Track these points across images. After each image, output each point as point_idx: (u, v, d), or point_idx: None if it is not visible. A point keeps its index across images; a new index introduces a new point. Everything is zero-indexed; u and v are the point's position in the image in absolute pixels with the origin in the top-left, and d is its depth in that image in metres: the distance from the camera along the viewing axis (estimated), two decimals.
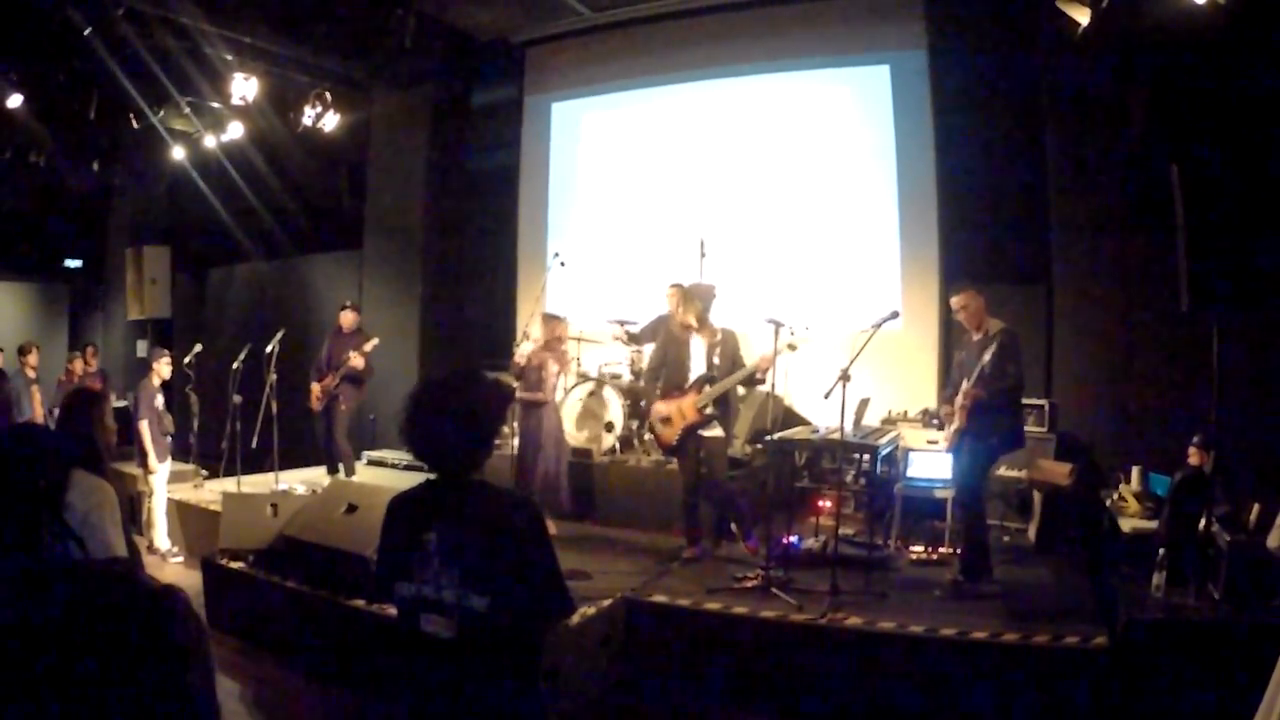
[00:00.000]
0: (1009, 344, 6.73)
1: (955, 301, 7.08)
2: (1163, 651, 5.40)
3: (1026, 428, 8.44)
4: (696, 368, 7.64)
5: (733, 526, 8.05)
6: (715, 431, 7.66)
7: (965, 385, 6.88)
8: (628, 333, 10.28)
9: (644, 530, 8.80)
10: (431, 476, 3.04)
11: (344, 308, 10.67)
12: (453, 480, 2.97)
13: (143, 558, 6.18)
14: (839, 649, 5.96)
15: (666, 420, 7.67)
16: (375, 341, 10.33)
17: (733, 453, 8.38)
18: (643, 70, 12.25)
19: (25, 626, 0.87)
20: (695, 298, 7.68)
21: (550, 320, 8.65)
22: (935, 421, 8.69)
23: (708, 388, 7.53)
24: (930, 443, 8.32)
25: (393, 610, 3.00)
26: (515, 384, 8.23)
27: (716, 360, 7.58)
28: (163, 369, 9.67)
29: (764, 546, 7.10)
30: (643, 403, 9.77)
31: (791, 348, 7.32)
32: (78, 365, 12.33)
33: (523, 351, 8.44)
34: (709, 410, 7.55)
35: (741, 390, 8.32)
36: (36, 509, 3.59)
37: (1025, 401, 8.28)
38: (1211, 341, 6.01)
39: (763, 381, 7.63)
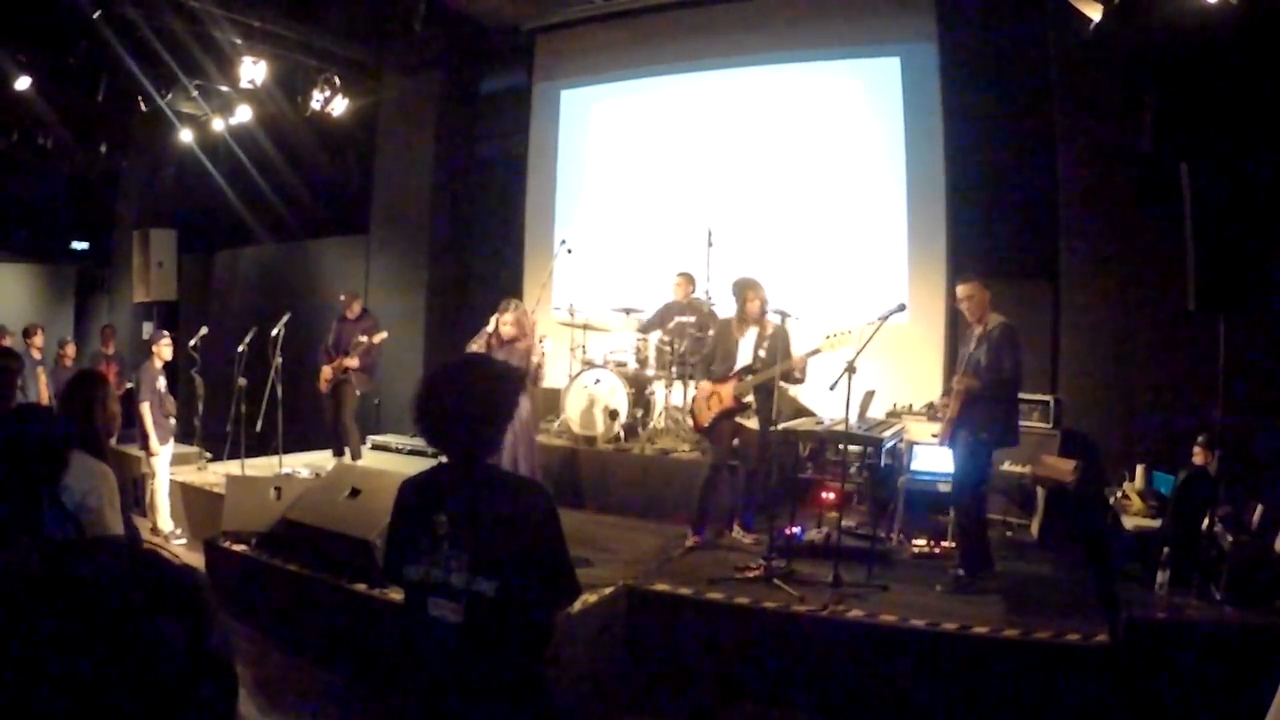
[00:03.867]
0: (1005, 338, 6.71)
1: (961, 290, 7.06)
2: (1163, 651, 5.41)
3: (1031, 424, 8.47)
4: (743, 359, 7.79)
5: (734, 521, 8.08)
6: (751, 423, 7.81)
7: (958, 375, 6.92)
8: (639, 322, 10.27)
9: (646, 518, 8.80)
10: (441, 460, 3.05)
11: (344, 297, 10.68)
12: (463, 464, 2.98)
13: (144, 539, 6.19)
14: (840, 641, 5.97)
15: (704, 403, 7.90)
16: (384, 335, 10.35)
17: None
18: (652, 59, 12.23)
19: (35, 603, 0.87)
20: (757, 290, 7.78)
21: (520, 307, 8.39)
22: (938, 415, 8.69)
23: (749, 378, 7.67)
24: (934, 436, 8.31)
25: (397, 594, 3.01)
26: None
27: (762, 353, 7.68)
28: (163, 351, 9.68)
29: (767, 536, 7.12)
30: (646, 389, 9.88)
31: (832, 347, 7.30)
32: (69, 349, 12.35)
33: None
34: (747, 399, 7.71)
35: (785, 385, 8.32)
36: (36, 491, 3.59)
37: (1031, 397, 8.30)
38: (1218, 341, 6.00)
39: (801, 380, 7.65)
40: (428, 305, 13.22)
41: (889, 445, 7.83)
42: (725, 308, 9.44)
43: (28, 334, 11.84)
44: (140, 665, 0.87)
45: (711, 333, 9.37)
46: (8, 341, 11.16)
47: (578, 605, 5.66)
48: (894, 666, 5.82)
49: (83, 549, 0.98)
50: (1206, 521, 5.92)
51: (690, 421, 8.35)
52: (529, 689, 2.93)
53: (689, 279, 10.08)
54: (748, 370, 7.73)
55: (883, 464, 7.97)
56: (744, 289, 7.83)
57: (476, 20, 12.77)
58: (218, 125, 13.51)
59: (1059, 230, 9.45)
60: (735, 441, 7.89)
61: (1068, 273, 9.41)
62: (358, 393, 10.35)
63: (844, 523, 7.13)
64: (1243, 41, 7.63)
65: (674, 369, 9.71)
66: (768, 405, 7.74)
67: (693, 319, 9.64)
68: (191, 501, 9.64)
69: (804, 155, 11.18)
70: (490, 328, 8.13)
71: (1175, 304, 6.55)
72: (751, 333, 7.81)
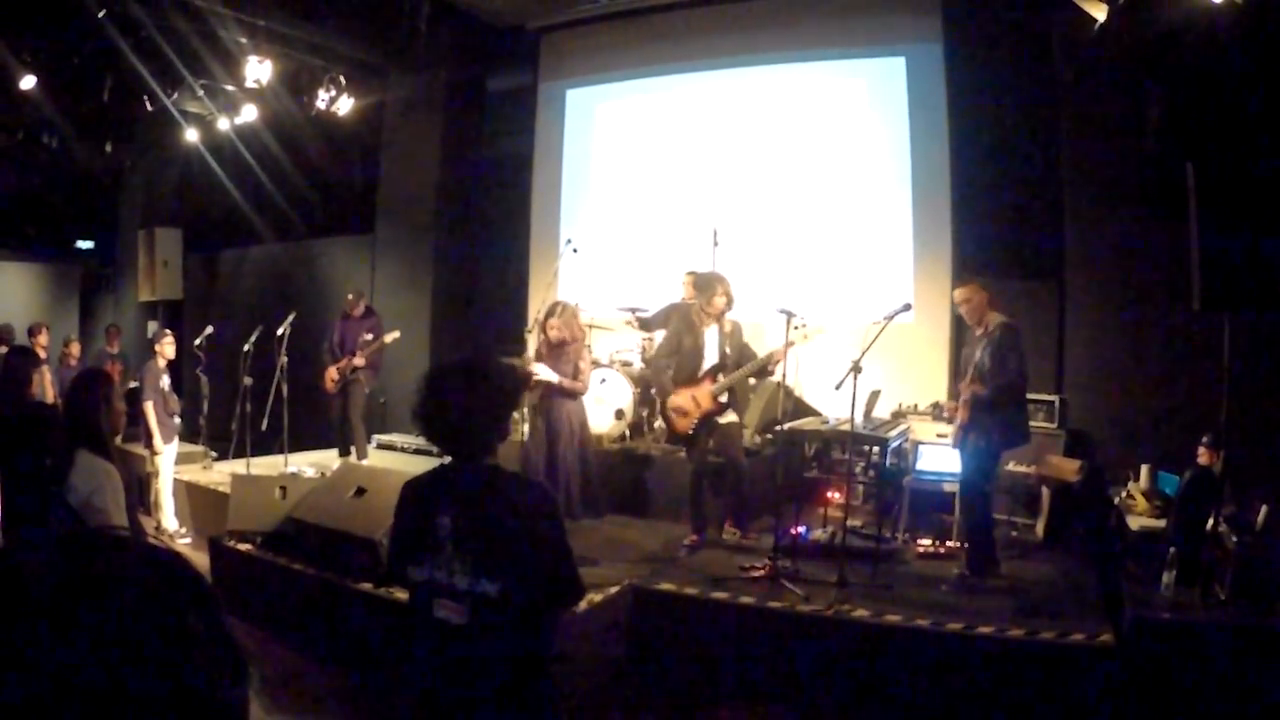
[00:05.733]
0: (1007, 339, 6.70)
1: (958, 295, 7.07)
2: (1168, 651, 5.40)
3: (1036, 424, 8.44)
4: (710, 357, 7.65)
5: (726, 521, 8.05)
6: (730, 418, 7.72)
7: (963, 381, 6.93)
8: (639, 319, 10.26)
9: (652, 518, 8.80)
10: (444, 460, 3.05)
11: (351, 295, 10.70)
12: (465, 464, 2.98)
13: (148, 537, 6.19)
14: (845, 640, 5.97)
15: (682, 410, 7.69)
16: (396, 334, 10.35)
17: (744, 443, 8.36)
18: (657, 59, 12.24)
19: (55, 599, 0.88)
20: (726, 285, 7.62)
21: (569, 309, 8.05)
22: (945, 416, 8.68)
23: (721, 377, 7.57)
24: (940, 436, 8.31)
25: (402, 594, 3.02)
26: (550, 371, 7.71)
27: (728, 350, 7.60)
28: (166, 349, 9.68)
29: (770, 536, 7.11)
30: (652, 389, 9.81)
31: (804, 338, 7.31)
32: (74, 348, 12.39)
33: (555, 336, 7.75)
34: (723, 399, 7.60)
35: (752, 380, 8.30)
36: (44, 489, 3.61)
37: (1035, 397, 8.29)
38: (1223, 341, 5.99)
39: (773, 373, 7.63)
40: (433, 304, 13.22)
41: (894, 445, 7.83)
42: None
43: (32, 333, 11.84)
44: (167, 660, 0.88)
45: (662, 332, 9.32)
46: (16, 340, 11.17)
47: (583, 605, 5.65)
48: (899, 666, 5.82)
49: (96, 543, 0.98)
50: (1211, 522, 5.91)
51: (669, 428, 8.05)
52: (533, 690, 2.94)
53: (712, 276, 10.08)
54: (718, 368, 7.61)
55: (888, 464, 7.97)
56: (714, 282, 7.65)
57: (482, 19, 12.77)
58: (223, 124, 13.52)
59: (1064, 230, 9.44)
60: (710, 442, 7.79)
61: (1073, 273, 9.40)
62: (366, 391, 10.36)
63: (849, 522, 7.12)
64: (1248, 40, 7.62)
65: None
66: (737, 402, 7.72)
67: None
68: (196, 500, 9.66)
69: (810, 155, 11.18)
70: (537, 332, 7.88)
71: (1180, 303, 6.53)
72: (713, 329, 7.65)
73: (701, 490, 7.88)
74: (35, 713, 0.80)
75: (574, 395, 7.78)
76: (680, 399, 7.69)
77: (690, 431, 7.73)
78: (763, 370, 7.63)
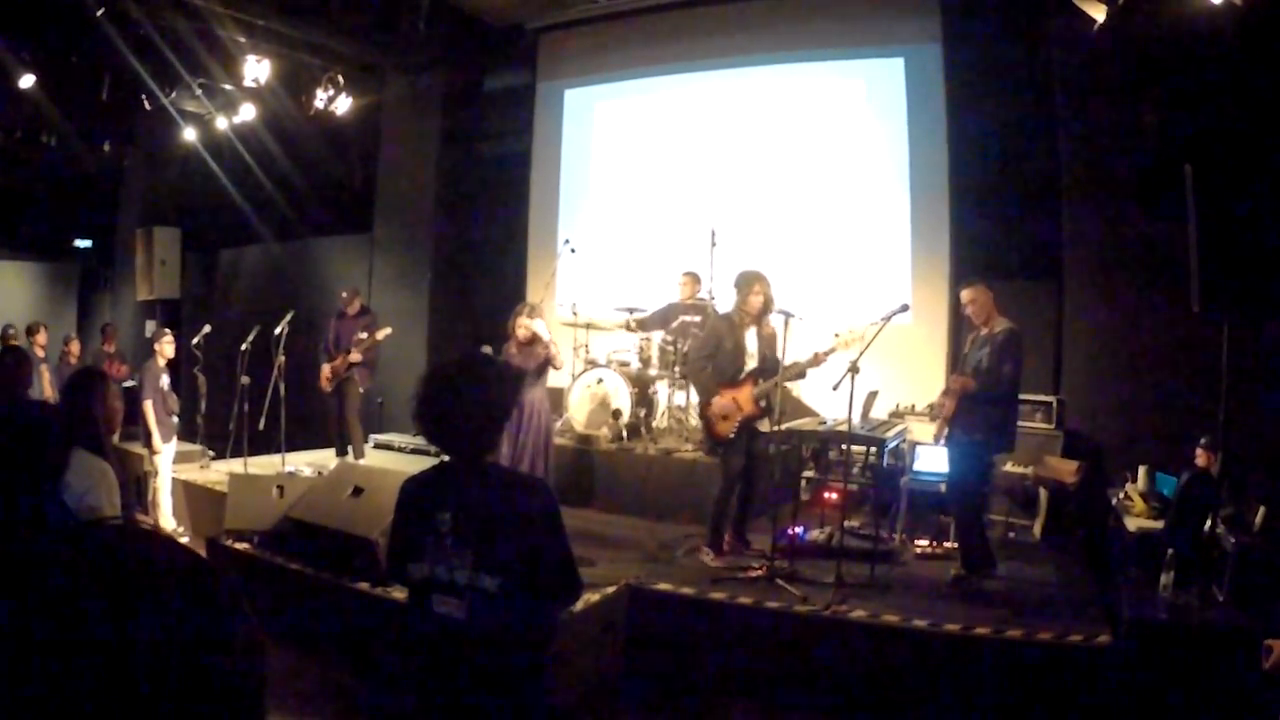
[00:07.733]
0: (1009, 343, 6.68)
1: (965, 295, 7.04)
2: (1165, 652, 5.40)
3: (1034, 425, 8.47)
4: (752, 359, 7.47)
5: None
6: (765, 425, 7.52)
7: (955, 374, 6.91)
8: (636, 320, 10.25)
9: (649, 518, 8.79)
10: (443, 459, 3.06)
11: (345, 294, 10.71)
12: (464, 462, 2.99)
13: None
14: (842, 641, 5.97)
15: (724, 413, 7.41)
16: (388, 331, 10.34)
17: None
18: (656, 59, 12.24)
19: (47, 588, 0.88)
20: (764, 285, 7.42)
21: (533, 309, 8.05)
22: (936, 413, 8.67)
23: (762, 381, 7.39)
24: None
25: (399, 593, 3.02)
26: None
27: (768, 353, 7.40)
28: (165, 349, 9.65)
29: (768, 538, 7.10)
30: (650, 389, 9.82)
31: (845, 345, 7.13)
32: (74, 347, 12.39)
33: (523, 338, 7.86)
34: (763, 403, 7.43)
35: None
36: (40, 488, 3.59)
37: (1033, 398, 8.31)
38: (1221, 341, 5.99)
39: (803, 376, 7.53)
40: (431, 304, 13.24)
41: (892, 446, 7.82)
42: (728, 306, 9.40)
43: (30, 332, 11.85)
44: (212, 643, 0.88)
45: (659, 333, 9.26)
46: (17, 340, 11.16)
47: (580, 604, 5.65)
48: (896, 667, 5.82)
49: (128, 536, 0.98)
50: (1209, 523, 5.91)
51: (708, 432, 7.68)
52: (531, 686, 2.94)
53: (694, 279, 10.07)
54: (759, 372, 7.41)
55: (885, 464, 7.96)
56: (751, 281, 7.40)
57: (480, 19, 12.76)
58: (221, 124, 13.54)
59: (1062, 231, 9.44)
60: (747, 446, 7.58)
61: (1071, 274, 9.40)
62: (361, 390, 10.36)
63: (846, 523, 7.12)
64: (1247, 41, 7.62)
65: (677, 369, 9.68)
66: (772, 408, 7.63)
67: (698, 319, 9.60)
68: (194, 500, 9.64)
69: (808, 155, 11.18)
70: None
71: (1179, 305, 6.52)
72: (752, 332, 7.47)
73: (730, 502, 7.56)
74: (89, 698, 0.81)
75: (546, 368, 7.85)
76: (723, 401, 7.43)
77: (731, 435, 7.42)
78: (800, 374, 7.47)
